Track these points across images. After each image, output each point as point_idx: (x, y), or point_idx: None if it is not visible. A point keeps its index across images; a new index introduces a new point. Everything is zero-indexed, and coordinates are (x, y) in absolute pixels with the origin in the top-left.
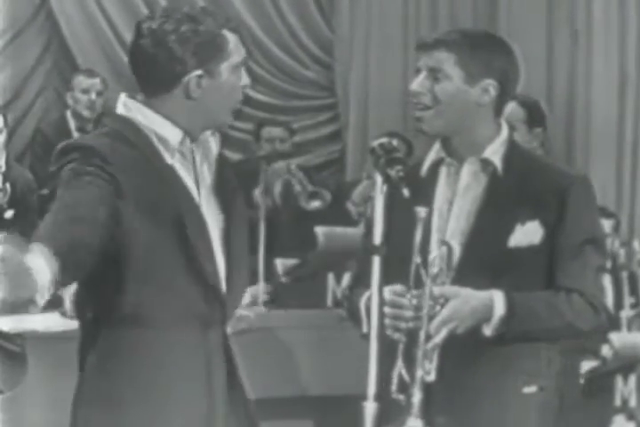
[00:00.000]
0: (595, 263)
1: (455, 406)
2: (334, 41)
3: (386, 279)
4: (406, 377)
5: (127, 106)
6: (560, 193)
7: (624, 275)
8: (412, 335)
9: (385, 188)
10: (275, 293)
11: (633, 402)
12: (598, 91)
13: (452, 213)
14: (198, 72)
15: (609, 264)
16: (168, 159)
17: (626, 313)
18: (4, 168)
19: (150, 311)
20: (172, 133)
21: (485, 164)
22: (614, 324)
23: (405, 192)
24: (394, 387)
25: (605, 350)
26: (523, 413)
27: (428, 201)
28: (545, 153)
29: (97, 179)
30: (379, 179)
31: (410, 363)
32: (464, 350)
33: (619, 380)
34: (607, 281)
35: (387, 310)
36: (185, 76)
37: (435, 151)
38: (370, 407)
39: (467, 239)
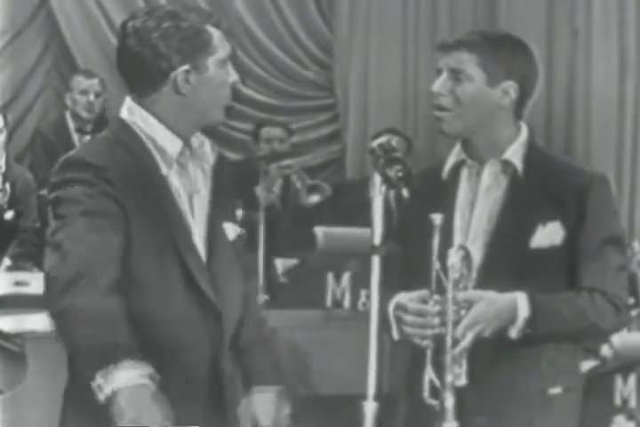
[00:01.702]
0: (615, 262)
1: (486, 408)
2: (334, 41)
3: (408, 284)
4: (437, 383)
5: (131, 110)
6: (580, 193)
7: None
8: (438, 341)
9: (384, 188)
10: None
11: (633, 402)
12: (598, 90)
13: (473, 214)
14: (185, 67)
15: None
16: (163, 169)
17: None
18: (3, 168)
19: (145, 325)
20: (172, 144)
21: (506, 165)
22: None
23: (405, 193)
24: (426, 393)
25: (605, 350)
26: (549, 414)
27: (449, 204)
28: None
29: (109, 205)
30: (377, 179)
31: (439, 368)
32: (490, 352)
33: (618, 380)
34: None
35: (411, 318)
36: (172, 72)
37: (455, 153)
38: (369, 407)
39: (489, 241)
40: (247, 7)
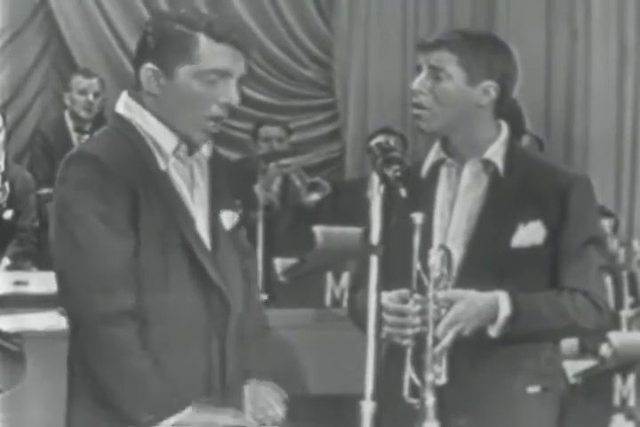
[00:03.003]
0: (597, 263)
1: (466, 407)
2: (333, 40)
3: (389, 283)
4: (417, 382)
5: (128, 106)
6: (562, 193)
7: (624, 275)
8: (419, 340)
9: (382, 188)
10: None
11: (632, 401)
12: (597, 91)
13: (453, 214)
14: (149, 65)
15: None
16: (162, 165)
17: (625, 313)
18: (3, 168)
19: (150, 315)
20: (167, 140)
21: (486, 164)
22: (614, 323)
23: (402, 192)
24: (406, 392)
25: (604, 350)
26: (528, 413)
27: (428, 203)
28: None
29: (118, 200)
30: (376, 179)
31: (419, 367)
32: (469, 351)
33: (618, 379)
34: (607, 281)
35: (392, 318)
36: (140, 67)
37: (435, 152)
38: (367, 407)
39: (469, 240)
40: (246, 6)
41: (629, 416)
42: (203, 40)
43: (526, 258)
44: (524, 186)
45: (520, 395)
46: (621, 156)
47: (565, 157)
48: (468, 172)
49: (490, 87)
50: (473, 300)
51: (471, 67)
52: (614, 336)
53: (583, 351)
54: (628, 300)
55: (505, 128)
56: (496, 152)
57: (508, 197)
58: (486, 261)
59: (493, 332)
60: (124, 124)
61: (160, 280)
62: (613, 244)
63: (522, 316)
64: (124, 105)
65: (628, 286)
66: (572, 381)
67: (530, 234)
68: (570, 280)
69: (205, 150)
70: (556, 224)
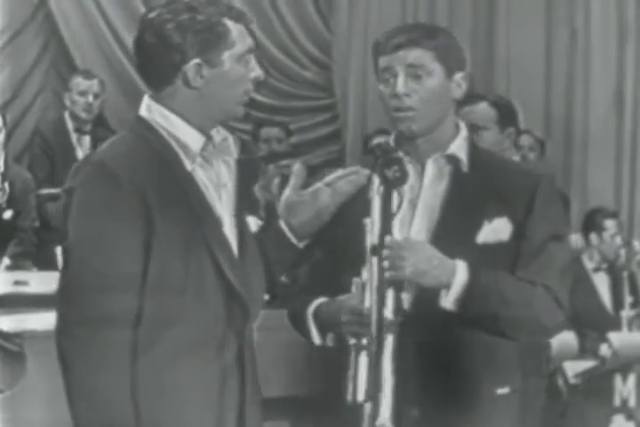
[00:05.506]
0: (560, 260)
1: (428, 403)
2: (333, 42)
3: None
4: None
5: (150, 108)
6: (528, 191)
7: (624, 275)
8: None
9: (382, 188)
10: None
11: (632, 402)
12: (596, 91)
13: (416, 211)
14: (197, 60)
15: (606, 264)
16: (188, 166)
17: (626, 313)
18: (2, 168)
19: (169, 317)
20: (194, 139)
21: (449, 160)
22: (614, 323)
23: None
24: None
25: (604, 350)
26: (497, 414)
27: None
28: (517, 153)
29: (127, 211)
30: (376, 180)
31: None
32: (440, 352)
33: (618, 380)
34: (605, 281)
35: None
36: (184, 65)
37: None
38: (367, 407)
39: (433, 238)
40: (245, 8)
41: (629, 417)
42: (230, 24)
43: (493, 254)
44: (489, 182)
45: (487, 396)
46: (621, 155)
47: (565, 156)
48: (431, 168)
49: (461, 78)
50: (435, 253)
51: (447, 60)
52: (614, 336)
53: (583, 351)
54: (628, 300)
55: (463, 126)
56: (460, 148)
57: (472, 192)
58: (451, 256)
59: (448, 302)
60: (146, 126)
61: (180, 282)
62: (617, 242)
63: (480, 287)
64: (146, 107)
65: (629, 285)
66: (572, 381)
67: (495, 230)
68: (532, 276)
69: (233, 150)
70: (521, 221)
